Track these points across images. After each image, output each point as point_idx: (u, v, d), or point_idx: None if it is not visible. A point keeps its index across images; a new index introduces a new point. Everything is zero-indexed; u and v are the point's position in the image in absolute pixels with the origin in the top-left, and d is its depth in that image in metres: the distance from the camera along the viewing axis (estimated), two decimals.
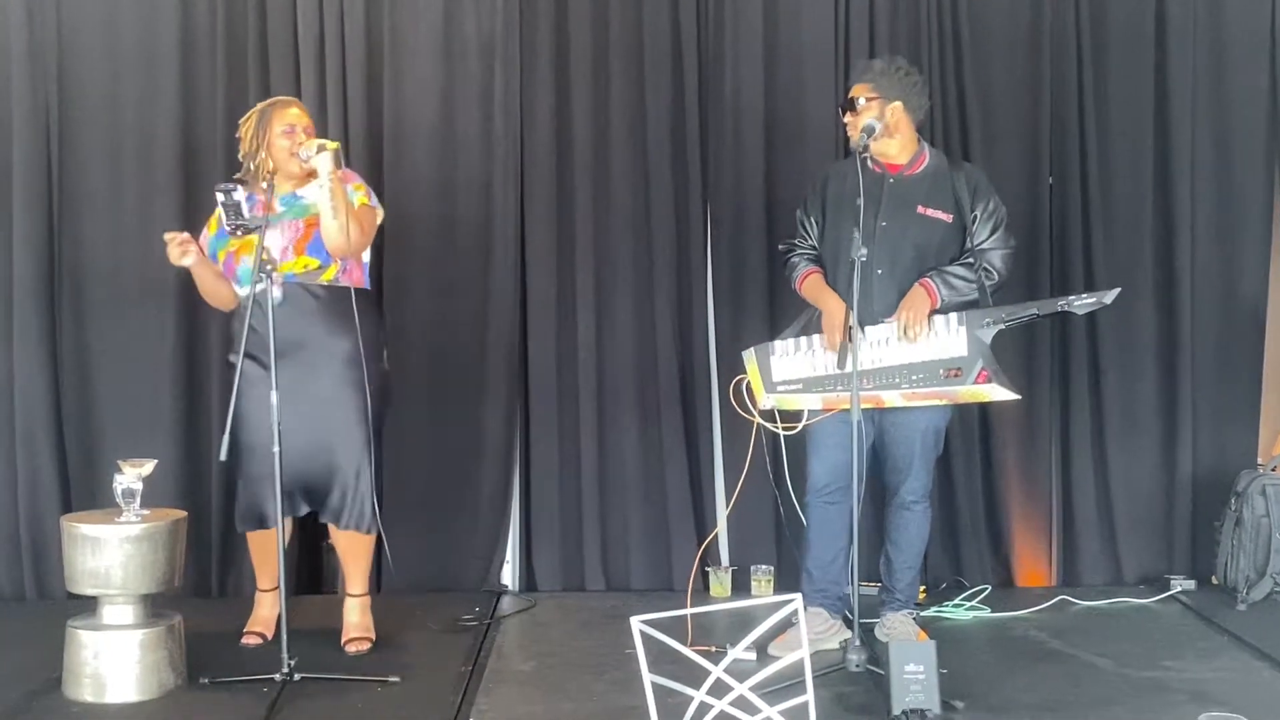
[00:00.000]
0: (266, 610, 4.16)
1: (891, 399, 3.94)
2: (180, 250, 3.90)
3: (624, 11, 4.92)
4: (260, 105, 4.15)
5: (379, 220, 4.17)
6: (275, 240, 3.95)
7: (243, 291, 4.01)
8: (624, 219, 4.95)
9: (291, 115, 4.06)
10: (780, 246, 4.34)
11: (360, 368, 3.99)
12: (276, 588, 4.06)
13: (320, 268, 4.00)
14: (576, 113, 4.93)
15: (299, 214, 4.02)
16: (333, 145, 3.90)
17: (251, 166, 4.07)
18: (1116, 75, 4.98)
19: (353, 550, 4.16)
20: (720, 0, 4.94)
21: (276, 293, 3.84)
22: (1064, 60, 4.96)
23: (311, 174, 3.97)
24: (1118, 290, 3.91)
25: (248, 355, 3.85)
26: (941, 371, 3.87)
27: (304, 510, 4.12)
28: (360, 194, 4.06)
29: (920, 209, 4.03)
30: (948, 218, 4.05)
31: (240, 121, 4.13)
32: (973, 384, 3.84)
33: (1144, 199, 5.00)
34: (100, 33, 4.83)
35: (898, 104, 4.01)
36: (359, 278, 4.11)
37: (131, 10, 4.83)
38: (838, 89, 4.85)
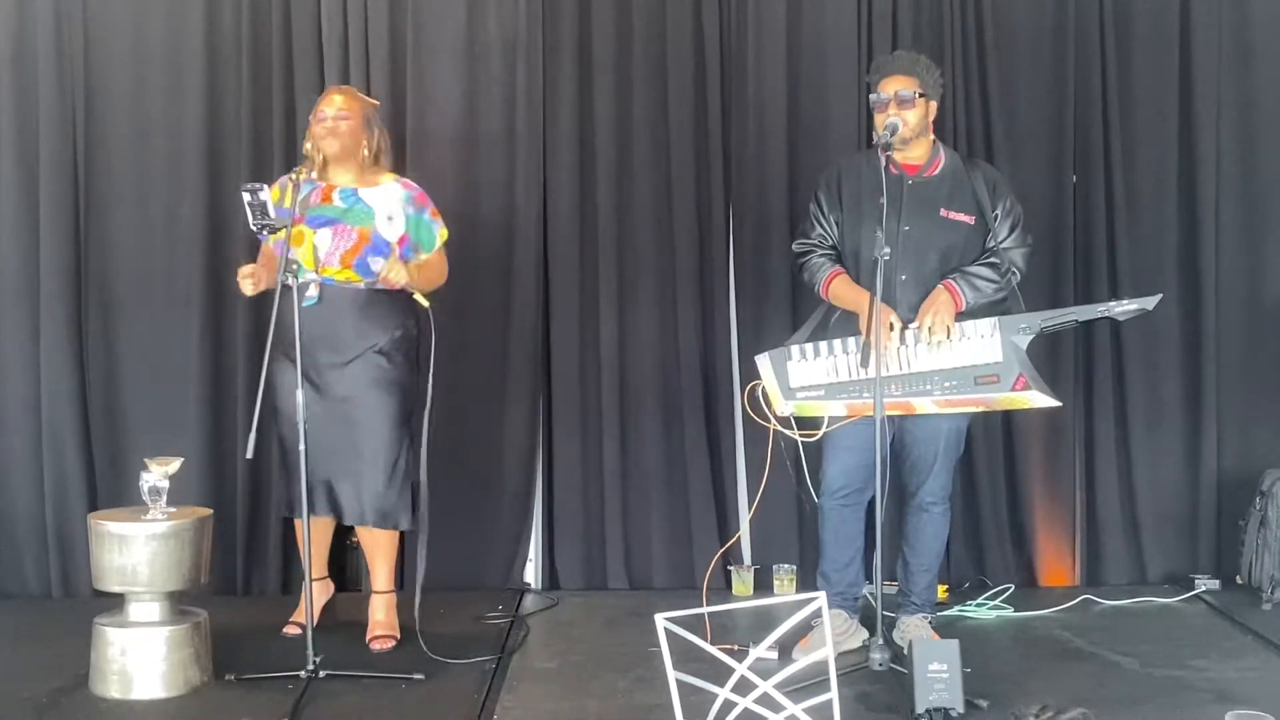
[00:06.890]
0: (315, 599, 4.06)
1: (923, 406, 3.86)
2: (252, 284, 3.85)
3: (646, 11, 4.93)
4: None
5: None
6: (324, 241, 3.94)
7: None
8: (646, 218, 4.95)
9: (326, 101, 4.07)
10: (795, 246, 4.18)
11: (392, 367, 4.03)
12: (323, 577, 4.18)
13: (361, 280, 4.00)
14: (599, 112, 4.94)
15: (356, 220, 3.98)
16: (396, 275, 3.91)
17: (310, 154, 4.09)
18: (1141, 73, 4.97)
19: (376, 547, 4.17)
20: None
21: (312, 291, 3.86)
22: (1088, 57, 4.94)
23: (371, 170, 4.07)
24: (1159, 296, 3.88)
25: (280, 353, 3.86)
26: (975, 378, 3.81)
27: (330, 513, 4.06)
28: (439, 223, 4.14)
29: (943, 212, 3.93)
30: (970, 220, 3.95)
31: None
32: (1010, 391, 3.78)
33: (1168, 197, 4.98)
34: (126, 36, 4.86)
35: (934, 104, 3.97)
36: None
37: (157, 13, 4.86)
38: (860, 88, 4.84)
